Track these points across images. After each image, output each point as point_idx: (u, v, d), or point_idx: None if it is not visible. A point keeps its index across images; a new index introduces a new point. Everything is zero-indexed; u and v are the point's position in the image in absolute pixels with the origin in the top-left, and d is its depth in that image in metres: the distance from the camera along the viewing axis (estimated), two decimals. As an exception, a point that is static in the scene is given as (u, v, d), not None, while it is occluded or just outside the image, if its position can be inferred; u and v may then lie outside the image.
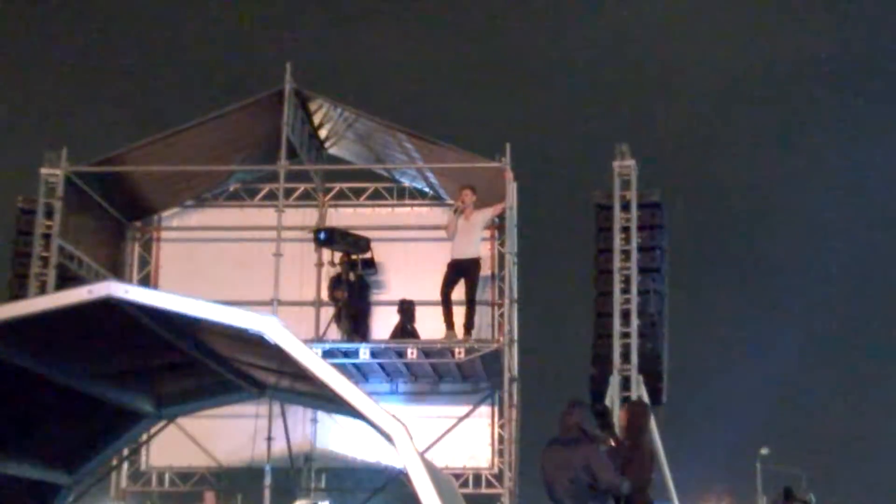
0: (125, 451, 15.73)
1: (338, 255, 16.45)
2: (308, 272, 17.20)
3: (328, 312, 16.68)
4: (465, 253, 15.27)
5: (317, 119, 17.28)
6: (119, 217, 17.53)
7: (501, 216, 16.13)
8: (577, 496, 9.69)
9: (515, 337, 15.93)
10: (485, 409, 16.89)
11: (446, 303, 15.34)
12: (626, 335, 15.97)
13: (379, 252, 16.69)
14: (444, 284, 15.31)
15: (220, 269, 17.23)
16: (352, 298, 16.12)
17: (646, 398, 15.89)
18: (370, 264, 16.56)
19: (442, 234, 15.75)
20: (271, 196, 17.08)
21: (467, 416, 16.74)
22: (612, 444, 10.48)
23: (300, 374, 7.49)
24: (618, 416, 11.85)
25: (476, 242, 15.47)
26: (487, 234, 16.93)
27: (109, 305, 6.96)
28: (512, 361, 15.57)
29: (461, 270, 15.31)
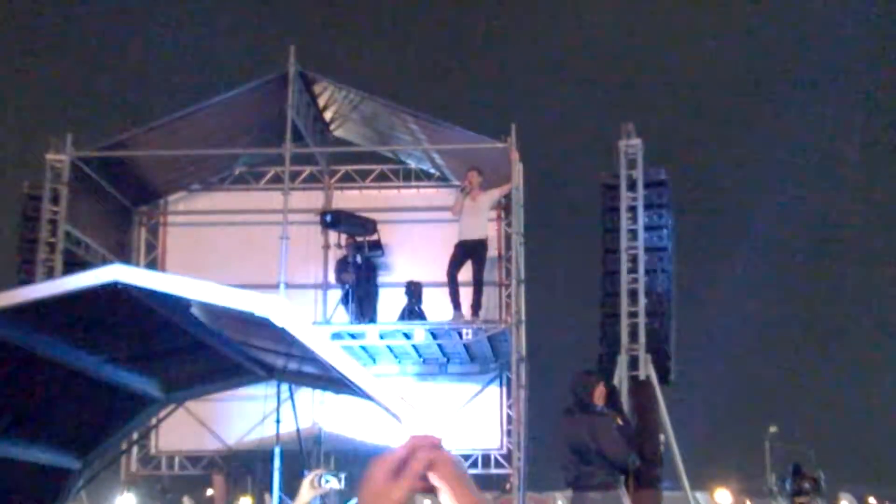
0: (135, 436, 15.82)
1: (344, 238, 16.45)
2: (315, 255, 17.21)
3: (335, 295, 16.70)
4: (472, 234, 15.28)
5: (322, 101, 17.26)
6: (125, 202, 17.54)
7: (508, 196, 16.12)
8: (581, 461, 9.77)
9: (523, 317, 15.92)
10: (493, 390, 16.91)
11: (453, 284, 15.36)
12: (633, 314, 15.95)
13: (385, 234, 16.68)
14: (451, 265, 15.31)
15: (227, 252, 17.25)
16: (359, 280, 16.14)
17: (654, 377, 15.90)
18: (377, 246, 16.56)
19: (448, 215, 15.75)
20: (277, 179, 17.07)
21: (475, 396, 16.76)
22: (620, 422, 10.52)
23: (308, 356, 7.51)
24: (626, 398, 11.86)
25: (482, 223, 15.46)
26: (494, 214, 16.92)
27: (116, 290, 6.97)
28: (520, 342, 15.57)
29: (468, 251, 15.32)
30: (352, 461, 17.78)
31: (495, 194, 15.60)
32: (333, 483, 6.98)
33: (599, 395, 10.33)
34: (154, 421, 13.86)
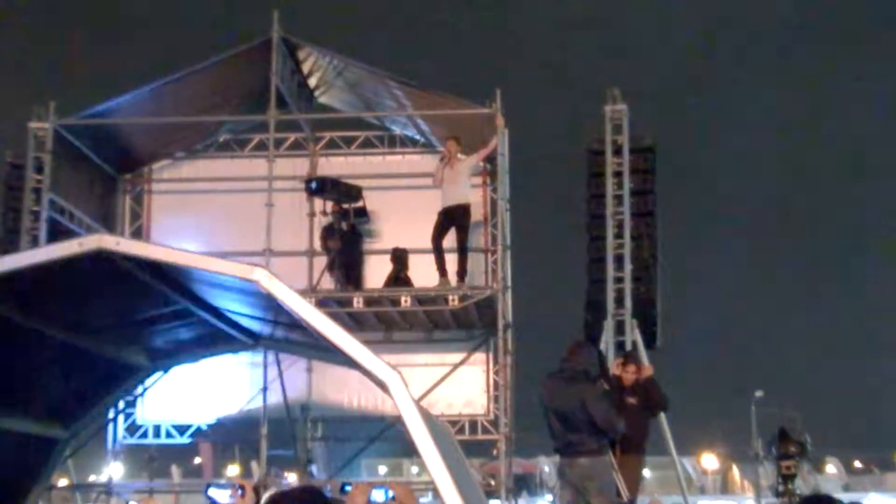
0: (121, 405, 15.82)
1: (330, 205, 16.39)
2: (300, 222, 17.16)
3: (321, 262, 16.66)
4: (454, 199, 15.24)
5: (306, 68, 17.16)
6: (109, 170, 17.44)
7: (492, 160, 16.07)
8: (569, 429, 9.83)
9: (509, 283, 15.91)
10: (479, 356, 16.91)
11: (438, 251, 15.33)
12: (619, 280, 15.98)
13: (371, 200, 16.63)
14: (436, 233, 15.29)
15: (212, 220, 17.19)
16: (344, 247, 16.10)
17: (640, 343, 15.94)
18: (362, 213, 16.52)
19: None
20: (262, 146, 16.99)
21: (462, 363, 16.75)
22: (606, 386, 10.56)
23: (294, 323, 7.49)
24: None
25: (464, 188, 15.41)
26: (479, 180, 16.87)
27: (101, 258, 6.94)
28: (506, 308, 15.56)
29: (451, 218, 15.29)
30: (340, 428, 17.84)
31: (473, 160, 15.53)
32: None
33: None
34: (141, 390, 13.87)
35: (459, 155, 15.30)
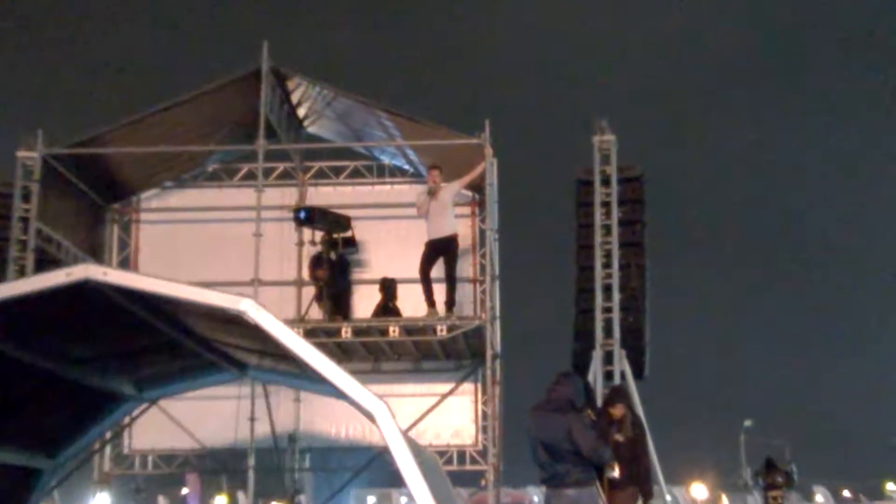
0: (107, 435, 15.74)
1: (318, 234, 16.39)
2: (289, 252, 17.17)
3: (310, 292, 16.66)
4: (441, 231, 15.25)
5: (295, 97, 17.20)
6: (97, 199, 17.43)
7: (481, 190, 16.10)
8: (556, 459, 9.81)
9: (497, 313, 15.92)
10: (468, 386, 16.89)
11: (426, 281, 15.33)
12: (607, 310, 15.98)
13: (359, 230, 16.64)
14: (423, 263, 15.29)
15: (201, 249, 17.17)
16: (333, 277, 16.09)
17: (629, 373, 15.93)
18: (351, 243, 16.52)
19: (422, 211, 15.72)
20: (251, 176, 17.00)
21: (450, 393, 16.74)
22: (593, 416, 10.55)
23: (281, 354, 7.47)
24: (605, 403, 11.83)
25: (449, 219, 15.42)
26: (468, 210, 16.92)
27: (88, 288, 6.94)
28: (494, 338, 15.57)
29: (439, 249, 15.30)
30: (327, 458, 17.79)
31: (456, 186, 15.53)
32: None
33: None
34: (127, 420, 13.81)
35: (442, 183, 15.32)
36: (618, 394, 12.14)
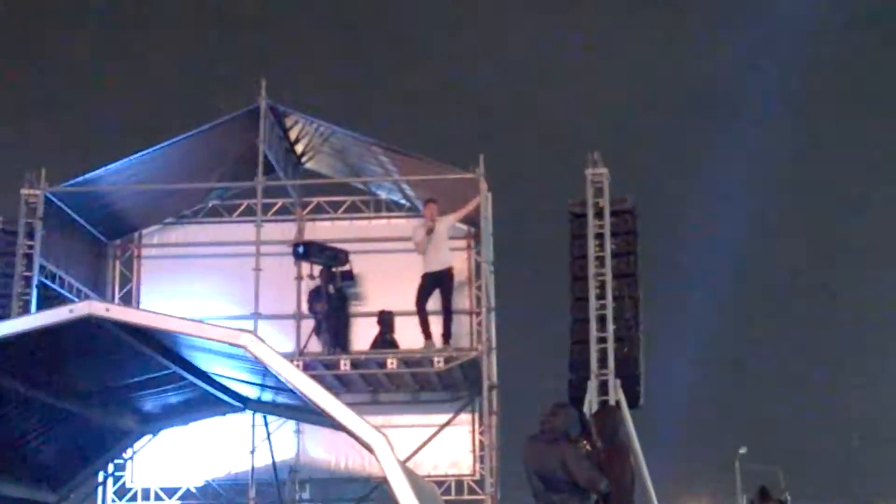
0: (110, 468, 15.89)
1: (317, 268, 16.58)
2: (288, 286, 17.32)
3: (309, 325, 16.80)
4: (437, 264, 15.48)
5: (293, 134, 17.43)
6: (99, 235, 17.65)
7: (476, 224, 16.32)
8: (551, 490, 9.92)
9: (493, 345, 16.07)
10: (465, 417, 17.04)
11: (423, 314, 15.51)
12: (602, 340, 16.12)
13: (357, 264, 16.83)
14: (420, 296, 15.49)
15: (201, 284, 17.36)
16: (331, 310, 16.26)
17: (624, 402, 16.06)
18: (349, 276, 16.70)
19: (419, 244, 15.92)
20: (250, 211, 17.20)
21: (448, 424, 16.88)
22: (589, 447, 10.66)
23: (281, 387, 7.66)
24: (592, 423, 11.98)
25: (445, 252, 15.66)
26: (463, 244, 17.15)
27: (91, 324, 7.13)
28: (491, 369, 15.71)
29: (435, 282, 15.51)
30: (327, 489, 17.90)
31: (451, 219, 15.76)
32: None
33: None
34: (130, 453, 13.96)
35: (438, 217, 15.54)
36: (604, 409, 12.23)
